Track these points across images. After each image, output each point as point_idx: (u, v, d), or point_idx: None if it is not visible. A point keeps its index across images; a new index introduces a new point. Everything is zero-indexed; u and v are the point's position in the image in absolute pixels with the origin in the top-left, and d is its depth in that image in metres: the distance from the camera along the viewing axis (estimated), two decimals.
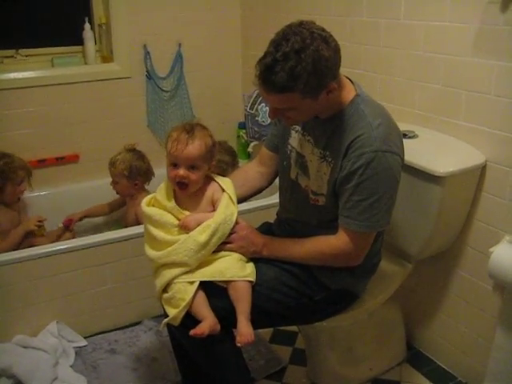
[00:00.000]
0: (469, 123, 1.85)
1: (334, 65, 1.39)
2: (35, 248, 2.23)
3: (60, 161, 2.81)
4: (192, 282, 1.50)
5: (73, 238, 2.57)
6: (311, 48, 1.33)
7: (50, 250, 2.16)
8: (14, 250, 2.33)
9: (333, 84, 1.41)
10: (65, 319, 2.23)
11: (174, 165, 1.54)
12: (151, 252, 1.57)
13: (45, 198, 2.68)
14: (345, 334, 1.95)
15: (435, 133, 1.96)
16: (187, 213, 1.56)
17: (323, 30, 1.40)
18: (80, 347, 2.21)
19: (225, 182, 1.63)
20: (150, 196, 1.63)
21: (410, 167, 1.77)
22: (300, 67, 1.33)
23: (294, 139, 1.66)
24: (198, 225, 1.51)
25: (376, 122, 1.46)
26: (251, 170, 1.85)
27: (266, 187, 1.86)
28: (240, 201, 1.70)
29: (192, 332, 1.44)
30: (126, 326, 2.36)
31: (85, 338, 2.26)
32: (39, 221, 2.47)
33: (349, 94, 1.51)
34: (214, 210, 1.57)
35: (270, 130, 1.84)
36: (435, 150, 1.85)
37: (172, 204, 1.56)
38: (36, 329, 2.17)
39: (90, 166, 2.89)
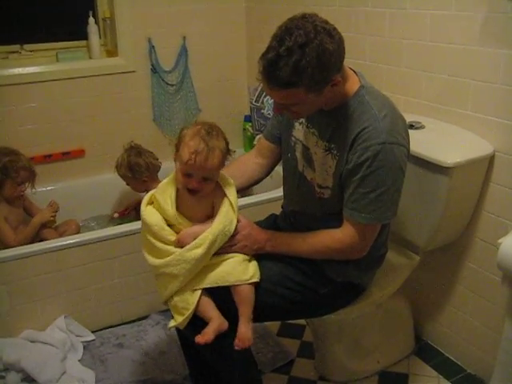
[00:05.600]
0: (476, 113, 1.83)
1: (338, 58, 1.37)
2: (42, 243, 2.24)
3: (66, 156, 2.82)
4: (194, 290, 1.48)
5: (77, 232, 2.58)
6: (315, 42, 1.31)
7: (58, 244, 2.17)
8: (30, 241, 2.37)
9: (337, 77, 1.39)
10: (73, 314, 2.24)
11: (188, 174, 1.46)
12: (149, 258, 1.53)
13: (51, 193, 2.68)
14: (352, 326, 1.94)
15: (442, 123, 1.94)
16: (186, 223, 1.50)
17: (327, 22, 1.37)
18: (88, 341, 2.22)
19: (228, 186, 1.56)
20: (149, 194, 1.56)
21: (417, 158, 1.75)
22: (304, 61, 1.30)
23: (299, 131, 1.65)
24: (195, 238, 1.47)
25: (382, 113, 1.44)
26: (249, 161, 1.82)
27: (263, 179, 1.83)
28: (237, 192, 1.66)
29: (197, 340, 1.42)
30: (134, 321, 2.37)
31: (93, 332, 2.27)
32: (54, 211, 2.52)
33: (353, 85, 1.49)
34: (213, 214, 1.53)
35: (271, 120, 1.81)
36: (442, 141, 1.83)
37: (173, 211, 1.50)
38: (44, 323, 2.18)
39: (95, 160, 2.89)
